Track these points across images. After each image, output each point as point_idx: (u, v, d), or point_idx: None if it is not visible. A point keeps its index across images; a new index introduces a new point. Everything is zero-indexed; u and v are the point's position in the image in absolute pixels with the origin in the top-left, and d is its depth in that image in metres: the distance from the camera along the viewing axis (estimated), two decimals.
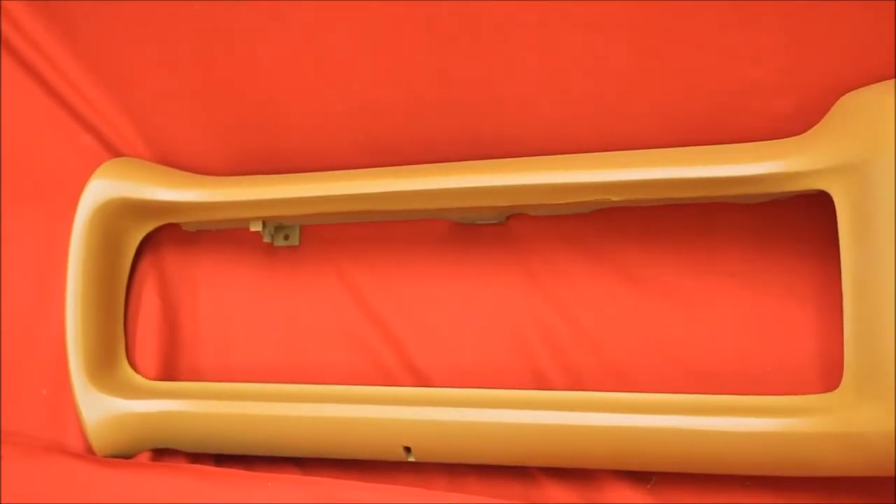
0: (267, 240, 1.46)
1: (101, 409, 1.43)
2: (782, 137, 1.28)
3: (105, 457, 1.42)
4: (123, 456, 1.43)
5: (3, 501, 1.32)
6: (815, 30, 1.26)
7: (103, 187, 1.46)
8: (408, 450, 1.33)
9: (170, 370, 1.49)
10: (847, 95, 1.25)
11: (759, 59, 1.28)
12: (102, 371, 1.46)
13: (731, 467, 1.27)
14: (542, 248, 1.40)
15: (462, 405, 1.31)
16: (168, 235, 1.51)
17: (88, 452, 1.43)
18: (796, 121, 1.28)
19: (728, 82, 1.29)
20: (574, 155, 1.31)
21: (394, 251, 1.44)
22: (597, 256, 1.38)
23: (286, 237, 1.48)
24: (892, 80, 1.24)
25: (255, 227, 1.44)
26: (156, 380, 1.47)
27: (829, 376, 1.27)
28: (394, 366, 1.42)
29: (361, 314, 1.44)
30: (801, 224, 1.33)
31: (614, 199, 1.28)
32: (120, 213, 1.46)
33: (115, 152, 1.50)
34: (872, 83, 1.26)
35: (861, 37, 1.25)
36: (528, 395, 1.31)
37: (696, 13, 1.28)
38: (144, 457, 1.43)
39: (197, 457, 1.44)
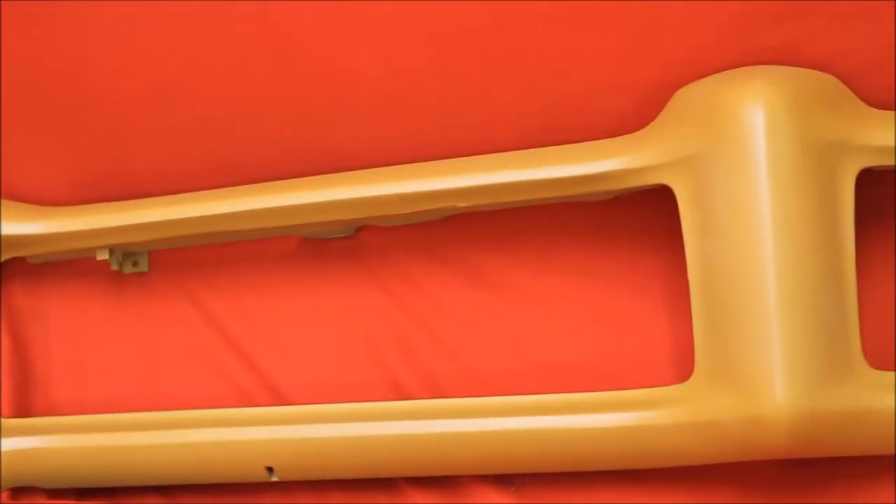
0: (115, 268, 1.43)
1: None
2: (625, 134, 1.28)
3: None
4: None
5: None
6: (650, 28, 1.28)
7: None
8: (270, 469, 1.32)
9: (24, 406, 1.46)
10: (681, 90, 1.27)
11: (597, 60, 1.30)
12: None
13: (593, 464, 1.28)
14: (392, 258, 1.40)
15: (322, 421, 1.31)
16: (14, 269, 1.47)
17: None
18: (638, 117, 1.30)
19: (568, 83, 1.31)
20: (418, 164, 1.31)
21: (245, 271, 1.43)
22: (448, 263, 1.38)
23: (135, 264, 1.46)
24: (724, 73, 1.25)
25: (102, 256, 1.42)
26: (9, 417, 1.43)
27: (682, 367, 1.29)
28: (252, 386, 1.41)
29: (216, 336, 1.43)
30: (646, 219, 1.35)
31: (461, 205, 1.29)
32: None
33: None
34: (706, 76, 1.26)
35: (694, 32, 1.26)
36: (387, 406, 1.31)
37: (533, 17, 1.29)
38: (3, 496, 1.39)
39: (58, 493, 1.40)
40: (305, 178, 1.34)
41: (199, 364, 1.43)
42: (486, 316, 1.38)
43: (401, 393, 1.38)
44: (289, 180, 1.34)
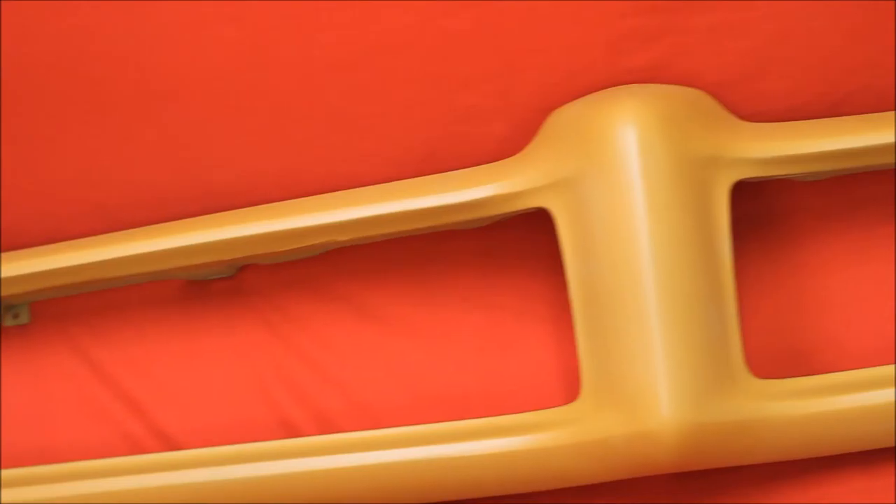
0: None
1: None
2: (503, 159, 1.28)
3: None
4: None
5: None
6: (522, 53, 1.28)
7: None
8: None
9: None
10: (554, 113, 1.28)
11: (471, 86, 1.30)
12: None
13: (487, 489, 1.29)
14: (275, 295, 1.39)
15: (212, 464, 1.29)
16: None
17: None
18: (514, 142, 1.30)
19: (444, 111, 1.31)
20: (297, 200, 1.31)
21: (128, 317, 1.41)
22: (331, 297, 1.38)
23: (15, 316, 1.44)
24: (596, 94, 1.27)
25: None
26: None
27: (570, 388, 1.29)
28: (141, 434, 1.39)
29: (102, 386, 1.41)
30: (526, 242, 1.35)
31: (341, 239, 1.28)
32: None
33: None
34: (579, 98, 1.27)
35: (565, 55, 1.27)
36: (278, 445, 1.30)
37: (401, 47, 1.29)
38: None
39: None
40: (183, 221, 1.32)
41: (86, 414, 1.41)
42: (372, 348, 1.37)
43: (291, 431, 1.37)
44: (166, 223, 1.33)
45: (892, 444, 1.29)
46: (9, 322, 1.44)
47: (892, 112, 1.28)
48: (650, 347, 1.20)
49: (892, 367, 1.25)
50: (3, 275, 1.35)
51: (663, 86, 1.27)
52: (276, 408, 1.37)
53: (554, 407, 1.26)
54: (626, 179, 1.20)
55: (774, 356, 1.31)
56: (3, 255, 1.36)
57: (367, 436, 1.27)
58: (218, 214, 1.32)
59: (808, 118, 1.29)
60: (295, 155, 1.33)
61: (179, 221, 1.32)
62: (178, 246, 1.29)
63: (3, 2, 1.32)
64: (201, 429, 1.38)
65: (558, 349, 1.33)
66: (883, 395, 1.24)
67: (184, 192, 1.35)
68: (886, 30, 1.28)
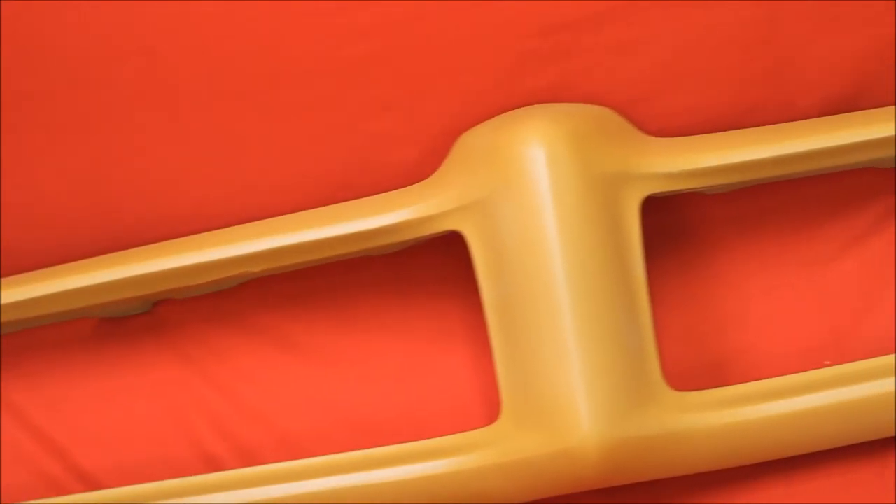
0: None
1: None
2: (414, 184, 1.29)
3: None
4: None
5: None
6: (428, 77, 1.29)
7: None
8: None
9: None
10: (463, 136, 1.28)
11: (379, 112, 1.30)
12: None
13: None
14: (192, 329, 1.38)
15: (134, 502, 1.27)
16: None
17: None
18: (425, 166, 1.30)
19: (353, 138, 1.31)
20: (209, 233, 1.30)
21: (44, 358, 1.40)
22: (248, 329, 1.37)
23: None
24: (503, 115, 1.27)
25: None
26: None
27: (491, 409, 1.29)
28: (61, 475, 1.38)
29: (19, 427, 1.39)
30: (441, 266, 1.35)
31: (256, 270, 1.28)
32: None
33: None
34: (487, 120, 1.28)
35: (471, 78, 1.28)
36: (201, 480, 1.29)
37: (308, 75, 1.29)
38: None
39: None
40: (93, 259, 1.31)
41: (4, 456, 1.39)
42: (292, 379, 1.37)
43: (214, 465, 1.36)
44: (75, 262, 1.32)
45: (811, 451, 1.29)
46: None
47: (798, 122, 1.29)
48: (567, 365, 1.20)
49: (807, 373, 1.26)
50: None
51: (569, 104, 1.28)
52: (198, 442, 1.36)
53: (475, 429, 1.25)
54: (536, 199, 1.21)
55: (692, 368, 1.32)
56: None
57: (290, 466, 1.27)
58: (130, 251, 1.31)
59: (715, 131, 1.30)
60: (206, 187, 1.32)
61: (90, 259, 1.31)
62: (89, 284, 1.28)
63: None
64: (123, 467, 1.37)
65: (477, 371, 1.34)
66: (800, 402, 1.25)
67: (92, 229, 1.34)
68: (787, 40, 1.29)
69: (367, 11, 1.28)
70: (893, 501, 1.30)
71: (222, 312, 1.38)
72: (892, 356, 1.26)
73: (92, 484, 1.39)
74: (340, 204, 1.30)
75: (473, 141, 1.27)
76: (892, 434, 1.29)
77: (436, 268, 1.36)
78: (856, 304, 1.36)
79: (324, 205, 1.31)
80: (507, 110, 1.30)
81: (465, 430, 1.27)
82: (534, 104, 1.30)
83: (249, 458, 1.36)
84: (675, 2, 1.28)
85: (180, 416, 1.38)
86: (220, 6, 1.29)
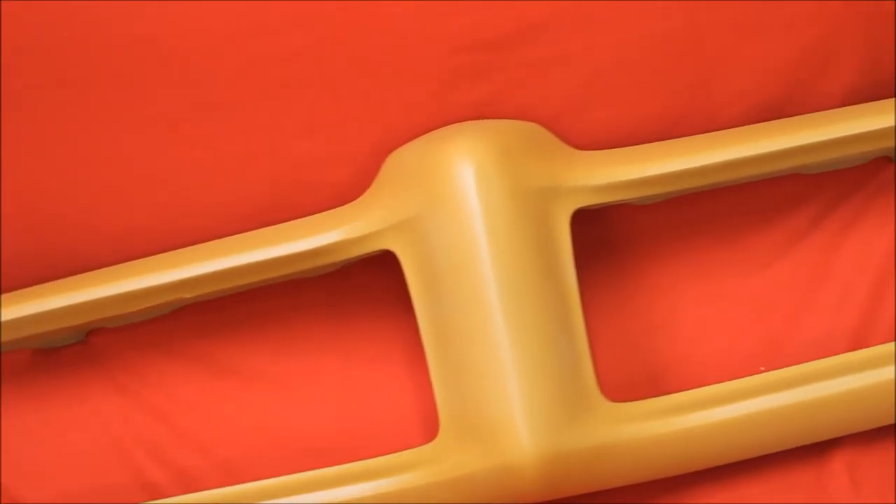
0: None
1: None
2: (345, 205, 1.29)
3: None
4: None
5: None
6: (355, 97, 1.29)
7: None
8: None
9: None
10: (392, 154, 1.29)
11: (308, 133, 1.30)
12: None
13: None
14: (127, 358, 1.37)
15: None
16: None
17: None
18: (356, 186, 1.30)
19: (283, 160, 1.31)
20: (140, 260, 1.30)
21: None
22: (183, 355, 1.37)
23: None
24: (432, 133, 1.28)
25: None
26: None
27: (430, 427, 1.29)
28: None
29: None
30: (375, 285, 1.36)
31: (188, 296, 1.27)
32: None
33: None
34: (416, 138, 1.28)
35: (398, 97, 1.29)
36: None
37: (236, 99, 1.29)
38: None
39: None
40: (22, 291, 1.30)
41: None
42: (230, 403, 1.37)
43: (154, 493, 1.35)
44: (6, 294, 1.30)
45: (749, 456, 1.30)
46: None
47: (723, 131, 1.30)
48: (503, 380, 1.20)
49: (742, 380, 1.27)
50: None
51: (497, 121, 1.29)
52: (137, 471, 1.36)
53: (415, 447, 1.25)
54: (467, 216, 1.21)
55: (628, 379, 1.33)
56: None
57: (229, 491, 1.27)
58: (60, 281, 1.30)
59: (643, 142, 1.31)
60: (135, 212, 1.31)
61: (19, 291, 1.29)
62: (19, 316, 1.27)
63: None
64: (62, 498, 1.35)
65: (415, 389, 1.34)
66: (736, 409, 1.26)
67: (20, 258, 1.32)
68: (711, 51, 1.31)
69: (294, 34, 1.28)
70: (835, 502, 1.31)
71: (157, 339, 1.38)
72: (824, 360, 1.27)
73: None
74: (272, 227, 1.30)
75: (403, 159, 1.27)
76: (826, 438, 1.30)
77: (371, 287, 1.36)
78: (788, 309, 1.38)
79: (255, 228, 1.31)
80: (436, 128, 1.30)
81: (405, 449, 1.27)
82: (462, 121, 1.29)
83: (189, 485, 1.36)
84: (599, 17, 1.28)
85: (118, 445, 1.38)
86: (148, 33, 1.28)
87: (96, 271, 1.30)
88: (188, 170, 1.31)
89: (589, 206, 1.25)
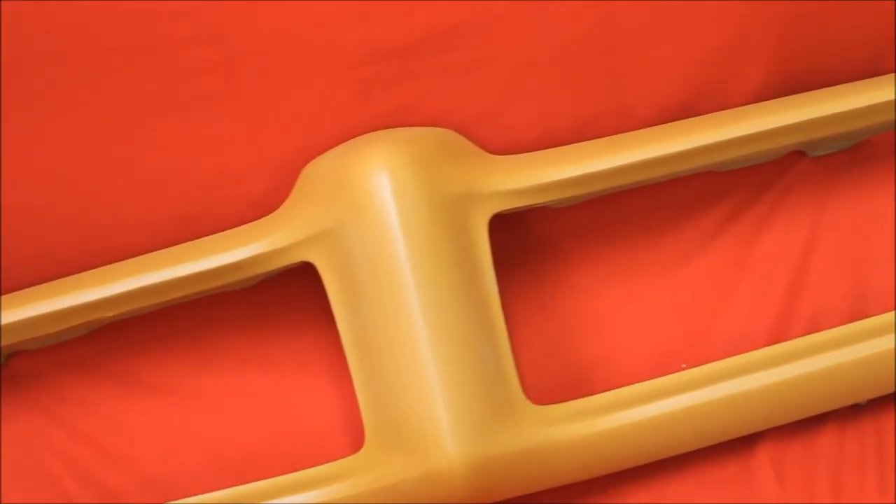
0: None
1: None
2: (262, 217, 1.29)
3: None
4: None
5: None
6: (268, 109, 1.29)
7: None
8: None
9: None
10: (308, 166, 1.28)
11: (222, 147, 1.29)
12: None
13: None
14: (49, 379, 1.36)
15: None
16: None
17: None
18: (273, 199, 1.30)
19: (198, 175, 1.31)
20: (57, 281, 1.29)
21: None
22: (105, 374, 1.36)
23: None
24: (347, 143, 1.29)
25: None
26: None
27: (356, 437, 1.29)
28: None
29: None
30: (298, 297, 1.35)
31: (108, 315, 1.26)
32: None
33: None
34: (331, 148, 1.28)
35: (312, 108, 1.29)
36: None
37: (149, 114, 1.28)
38: None
39: None
40: None
41: None
42: (153, 420, 1.36)
43: None
44: None
45: (676, 453, 1.31)
46: None
47: (637, 131, 1.31)
48: (427, 387, 1.21)
49: (665, 378, 1.28)
50: None
51: (411, 129, 1.29)
52: (64, 493, 1.35)
53: (342, 458, 1.25)
54: (384, 225, 1.21)
55: (552, 381, 1.34)
56: None
57: None
58: None
59: (559, 145, 1.32)
60: (51, 234, 1.30)
61: None
62: None
63: None
64: None
65: (340, 400, 1.34)
66: (660, 407, 1.27)
67: None
68: (623, 52, 1.32)
69: (206, 47, 1.28)
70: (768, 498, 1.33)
71: (79, 359, 1.37)
72: (743, 356, 1.28)
73: None
74: (190, 243, 1.29)
75: (318, 171, 1.27)
76: (750, 432, 1.31)
77: (292, 299, 1.36)
78: (707, 306, 1.39)
79: (173, 244, 1.30)
80: (352, 138, 1.29)
81: (331, 460, 1.26)
82: (377, 130, 1.29)
83: None
84: (510, 21, 1.29)
85: (43, 467, 1.37)
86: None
87: (12, 294, 1.29)
88: (103, 188, 1.30)
89: (506, 210, 1.26)
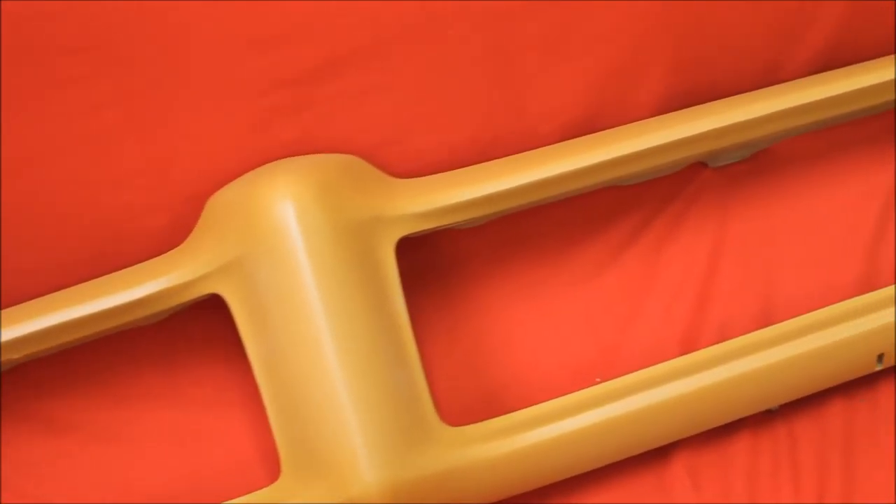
0: None
1: None
2: (167, 252, 1.28)
3: None
4: None
5: None
6: (171, 142, 1.29)
7: None
8: None
9: None
10: (212, 198, 1.28)
11: (123, 183, 1.29)
12: None
13: None
14: None
15: None
16: None
17: None
18: (177, 233, 1.29)
19: (100, 211, 1.29)
20: None
21: None
22: (14, 415, 1.34)
23: None
24: (250, 173, 1.28)
25: None
26: None
27: (272, 468, 1.28)
28: None
29: None
30: (208, 330, 1.34)
31: (15, 357, 1.26)
32: None
33: None
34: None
35: (211, 140, 1.29)
36: None
37: (49, 153, 1.28)
38: None
39: None
40: None
41: None
42: (68, 461, 1.34)
43: None
44: None
45: (592, 467, 1.32)
46: None
47: (539, 149, 1.32)
48: (340, 415, 1.21)
49: (579, 393, 1.29)
50: None
51: (314, 156, 1.29)
52: None
53: (258, 490, 1.24)
54: (290, 254, 1.21)
55: (467, 402, 1.35)
56: None
57: None
58: None
59: (462, 166, 1.32)
60: None
61: None
62: None
63: None
64: None
65: (254, 431, 1.34)
66: (574, 423, 1.28)
67: None
68: (521, 71, 1.33)
69: (103, 82, 1.26)
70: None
71: None
72: (655, 367, 1.29)
73: None
74: (94, 280, 1.28)
75: (222, 202, 1.27)
76: (665, 442, 1.32)
77: (202, 333, 1.36)
78: (619, 319, 1.40)
79: (79, 282, 1.29)
80: (255, 168, 1.28)
81: (248, 492, 1.25)
82: (279, 159, 1.28)
83: None
84: (403, 46, 1.29)
85: None
86: None
87: None
88: (4, 228, 1.27)
89: (413, 233, 1.26)
